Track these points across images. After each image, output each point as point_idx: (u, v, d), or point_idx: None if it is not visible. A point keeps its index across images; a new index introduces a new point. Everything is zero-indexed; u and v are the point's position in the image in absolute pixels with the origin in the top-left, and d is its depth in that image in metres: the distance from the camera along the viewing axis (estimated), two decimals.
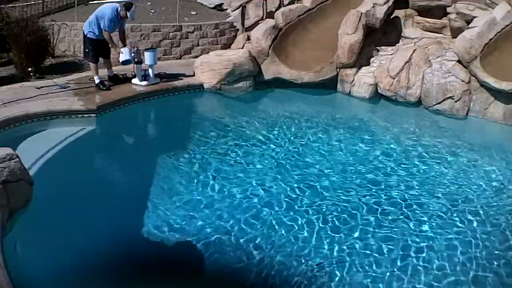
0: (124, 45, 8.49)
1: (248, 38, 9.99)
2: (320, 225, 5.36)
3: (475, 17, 9.15)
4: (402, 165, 6.75)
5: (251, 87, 9.18)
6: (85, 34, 8.14)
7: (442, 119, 8.38)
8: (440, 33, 10.28)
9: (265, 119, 8.20)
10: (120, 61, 8.41)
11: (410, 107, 8.72)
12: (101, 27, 8.06)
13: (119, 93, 8.13)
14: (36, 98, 7.49)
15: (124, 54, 8.27)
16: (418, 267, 4.82)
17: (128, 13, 8.24)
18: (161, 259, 4.86)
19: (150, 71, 8.54)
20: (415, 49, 8.96)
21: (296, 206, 5.69)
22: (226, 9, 11.83)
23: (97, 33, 8.14)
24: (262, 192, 5.96)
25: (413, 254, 4.98)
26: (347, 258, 4.89)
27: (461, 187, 6.25)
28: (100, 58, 8.36)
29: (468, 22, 9.18)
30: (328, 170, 6.53)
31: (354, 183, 6.25)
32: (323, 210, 5.63)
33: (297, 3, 10.80)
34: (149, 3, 11.61)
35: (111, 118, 7.53)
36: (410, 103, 8.73)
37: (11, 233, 4.67)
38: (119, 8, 8.18)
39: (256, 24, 10.50)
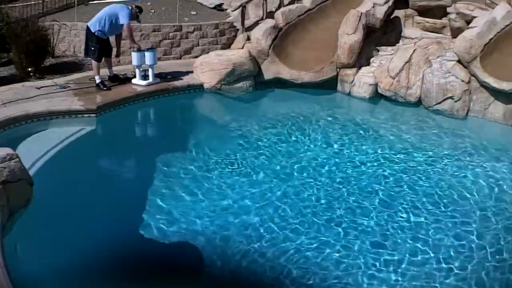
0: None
1: (248, 38, 9.99)
2: (321, 224, 5.35)
3: (475, 17, 9.14)
4: (401, 165, 6.74)
5: (251, 87, 9.17)
6: (93, 32, 8.14)
7: (442, 119, 8.37)
8: (440, 33, 10.28)
9: (265, 119, 8.19)
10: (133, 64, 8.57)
11: (410, 107, 8.72)
12: (120, 22, 8.18)
13: (119, 93, 8.13)
14: (36, 98, 7.49)
15: (134, 59, 8.39)
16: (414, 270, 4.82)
17: (139, 15, 8.56)
18: (161, 259, 4.86)
19: (150, 71, 8.55)
20: (415, 49, 8.96)
21: (295, 206, 5.68)
22: (226, 9, 11.83)
23: (106, 32, 8.20)
24: (262, 192, 5.95)
25: (411, 255, 4.98)
26: (347, 259, 4.89)
27: (461, 187, 6.25)
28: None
29: (468, 22, 9.18)
30: (328, 170, 6.52)
31: (354, 182, 6.25)
32: (323, 210, 5.63)
33: (297, 3, 10.80)
34: (149, 3, 11.61)
35: (111, 118, 7.53)
36: (410, 103, 8.73)
37: (11, 233, 4.67)
38: (130, 8, 8.33)
39: (256, 24, 10.50)
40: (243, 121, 8.04)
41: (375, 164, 6.75)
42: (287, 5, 10.82)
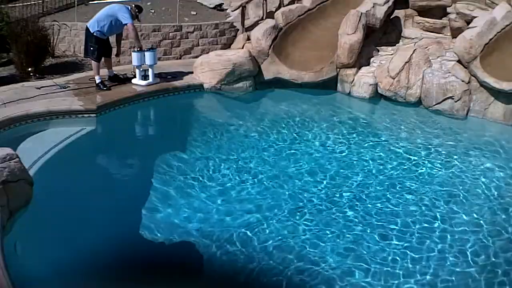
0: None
1: (248, 38, 9.99)
2: (319, 226, 5.35)
3: (475, 17, 9.15)
4: (402, 165, 6.74)
5: (251, 87, 9.17)
6: (92, 32, 8.15)
7: (442, 119, 8.37)
8: (440, 33, 10.29)
9: (265, 119, 8.19)
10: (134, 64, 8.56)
11: (410, 107, 8.72)
12: (123, 23, 8.21)
13: (119, 93, 8.13)
14: (36, 98, 7.49)
15: (134, 59, 8.40)
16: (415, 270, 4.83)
17: (139, 15, 8.56)
18: (161, 259, 4.86)
19: (150, 71, 8.55)
20: (415, 49, 8.96)
21: (294, 207, 5.68)
22: (226, 9, 11.83)
23: (105, 32, 8.20)
24: (261, 192, 5.95)
25: (412, 255, 4.98)
26: (347, 262, 4.89)
27: (462, 187, 6.25)
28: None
29: (468, 22, 9.18)
30: (328, 170, 6.52)
31: (354, 183, 6.25)
32: (321, 210, 5.63)
33: (297, 3, 10.80)
34: (149, 3, 11.61)
35: (111, 118, 7.53)
36: (410, 103, 8.72)
37: (11, 233, 4.67)
38: (129, 8, 8.34)
39: (256, 24, 10.50)
40: (243, 121, 8.04)
41: (375, 164, 6.74)
42: (287, 5, 10.82)
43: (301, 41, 9.75)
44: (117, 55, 8.77)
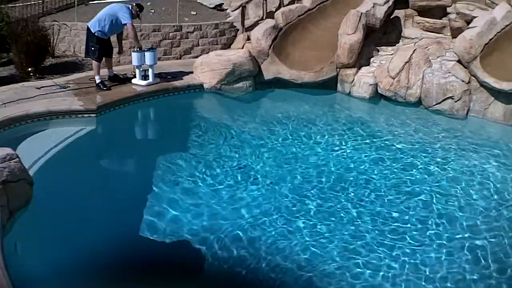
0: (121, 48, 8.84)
1: (248, 38, 9.99)
2: (318, 227, 5.36)
3: (475, 17, 9.15)
4: (402, 165, 6.74)
5: (251, 87, 9.17)
6: (93, 32, 8.15)
7: (442, 119, 8.37)
8: (440, 33, 10.29)
9: (265, 119, 8.20)
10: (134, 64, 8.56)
11: (410, 107, 8.72)
12: (123, 22, 8.21)
13: (119, 93, 8.12)
14: (36, 98, 7.49)
15: (134, 59, 8.40)
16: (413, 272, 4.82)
17: (140, 14, 8.57)
18: (161, 259, 4.86)
19: (150, 71, 8.55)
20: (415, 49, 8.96)
21: (294, 208, 5.68)
22: (226, 9, 11.83)
23: (106, 32, 8.20)
24: (261, 192, 5.95)
25: (410, 257, 4.98)
26: (347, 260, 4.89)
27: (462, 187, 6.25)
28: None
29: (468, 22, 9.18)
30: (327, 170, 6.52)
31: (353, 183, 6.25)
32: (322, 211, 5.63)
33: (297, 3, 10.81)
34: (149, 3, 11.60)
35: (111, 118, 7.53)
36: (410, 103, 8.72)
37: (11, 233, 4.67)
38: (130, 7, 8.34)
39: (256, 24, 10.50)
40: (243, 121, 8.04)
41: (375, 164, 6.75)
42: (287, 5, 10.83)
43: (301, 41, 9.75)
44: (119, 52, 8.77)
